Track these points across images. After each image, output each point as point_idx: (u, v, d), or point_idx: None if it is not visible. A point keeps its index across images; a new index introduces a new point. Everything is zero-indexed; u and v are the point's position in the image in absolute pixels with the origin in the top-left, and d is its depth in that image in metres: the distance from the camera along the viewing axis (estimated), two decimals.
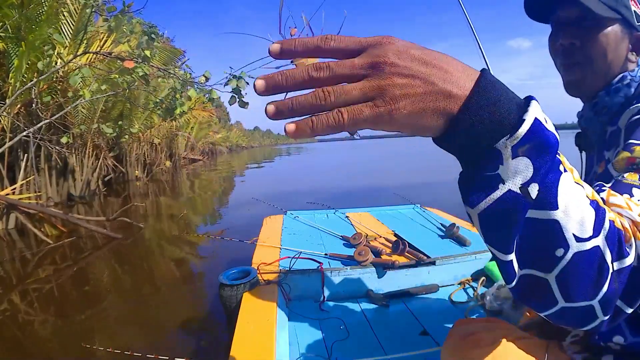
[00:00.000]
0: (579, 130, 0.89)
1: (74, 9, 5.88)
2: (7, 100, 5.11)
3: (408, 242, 2.14)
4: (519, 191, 0.31)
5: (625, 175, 0.56)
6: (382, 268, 1.86)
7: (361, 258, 1.89)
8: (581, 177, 0.78)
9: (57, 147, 6.68)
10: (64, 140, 6.44)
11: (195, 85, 5.85)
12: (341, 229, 2.53)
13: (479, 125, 0.31)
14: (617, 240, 0.38)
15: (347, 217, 2.94)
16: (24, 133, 5.51)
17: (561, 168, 0.34)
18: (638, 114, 0.66)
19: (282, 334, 1.39)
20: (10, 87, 5.22)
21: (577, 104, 0.89)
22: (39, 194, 6.22)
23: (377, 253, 2.01)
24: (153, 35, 8.50)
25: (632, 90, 0.75)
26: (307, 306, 1.72)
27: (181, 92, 6.30)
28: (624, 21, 0.74)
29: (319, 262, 1.90)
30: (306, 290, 1.78)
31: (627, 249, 0.38)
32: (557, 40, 0.78)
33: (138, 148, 11.70)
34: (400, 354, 1.35)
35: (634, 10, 0.75)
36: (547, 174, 0.32)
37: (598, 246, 0.36)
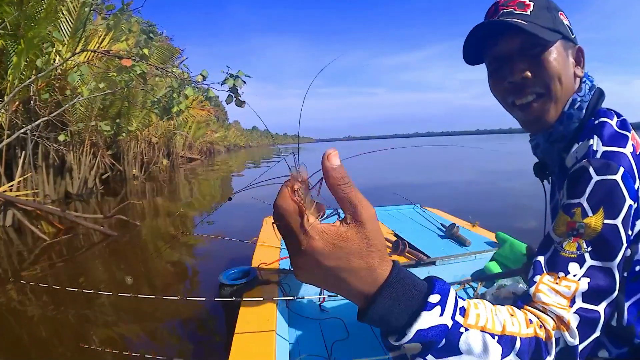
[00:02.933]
0: (537, 161, 0.87)
1: (73, 7, 5.86)
2: (5, 98, 5.09)
3: (408, 242, 2.14)
4: (417, 355, 0.39)
5: (564, 245, 0.59)
6: None
7: None
8: (545, 207, 0.78)
9: (54, 145, 6.66)
10: (61, 138, 6.42)
11: (193, 84, 5.85)
12: None
13: (378, 322, 0.38)
14: (535, 349, 0.46)
15: None
16: (22, 130, 5.49)
17: (461, 330, 0.40)
18: (580, 162, 0.64)
19: (282, 334, 1.39)
20: (9, 85, 5.19)
21: None
22: (36, 191, 6.19)
23: None
24: (151, 35, 8.49)
25: (584, 112, 0.74)
26: (307, 306, 1.71)
27: (179, 91, 6.29)
28: (563, 38, 0.73)
29: None
30: (306, 290, 1.78)
31: (545, 351, 0.47)
32: (504, 78, 0.74)
33: (136, 146, 11.66)
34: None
35: (567, 25, 0.75)
36: (444, 341, 0.39)
37: None
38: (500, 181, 8.95)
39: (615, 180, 0.59)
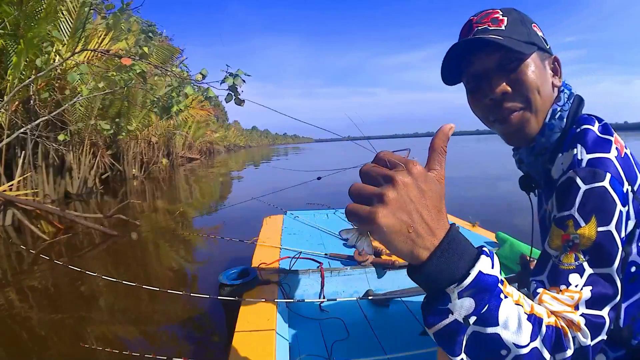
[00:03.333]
0: (522, 175, 0.86)
1: (73, 6, 5.86)
2: (5, 97, 5.08)
3: None
4: (462, 321, 0.41)
5: (562, 258, 0.59)
6: (382, 268, 1.86)
7: (361, 258, 1.89)
8: (532, 219, 0.77)
9: (54, 145, 6.65)
10: (61, 137, 6.41)
11: (192, 84, 5.85)
12: (341, 229, 2.53)
13: (436, 274, 0.40)
14: (555, 340, 0.48)
15: None
16: (22, 130, 5.49)
17: (502, 296, 0.43)
18: (566, 173, 0.64)
19: (282, 334, 1.39)
20: (9, 84, 5.19)
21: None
22: (35, 190, 6.19)
23: (377, 253, 2.01)
24: (151, 34, 8.48)
25: (564, 121, 0.74)
26: (307, 306, 1.72)
27: (178, 91, 6.29)
28: (539, 50, 0.73)
29: (319, 262, 1.89)
30: (306, 290, 1.78)
31: (566, 343, 0.48)
32: (485, 95, 0.73)
33: (135, 146, 11.66)
34: (400, 354, 1.35)
35: (541, 36, 0.75)
36: (487, 305, 0.42)
37: (536, 348, 0.46)
38: (501, 181, 8.96)
39: (603, 186, 0.60)
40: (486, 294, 0.41)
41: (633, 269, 0.65)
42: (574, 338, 0.50)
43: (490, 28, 0.71)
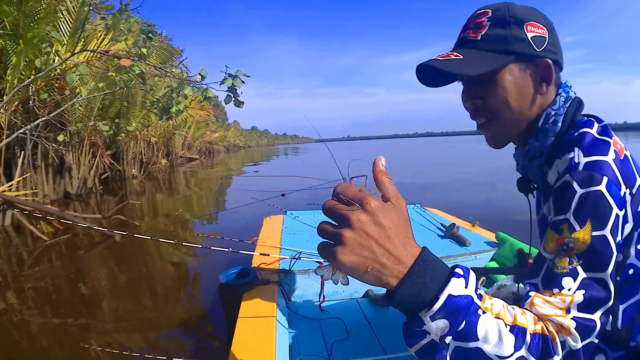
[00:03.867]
0: (520, 176, 0.86)
1: (72, 6, 5.85)
2: (4, 98, 5.08)
3: None
4: (438, 341, 0.43)
5: (556, 262, 0.59)
6: None
7: None
8: (530, 219, 0.77)
9: (54, 145, 6.65)
10: (60, 138, 6.41)
11: (192, 84, 5.84)
12: None
13: (407, 300, 0.43)
14: (543, 347, 0.49)
15: None
16: (21, 130, 5.48)
17: (479, 312, 0.45)
18: (563, 177, 0.63)
19: (282, 334, 1.39)
20: (8, 85, 5.18)
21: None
22: (35, 191, 6.18)
23: None
24: (150, 34, 8.48)
25: (559, 125, 0.72)
26: (307, 306, 1.71)
27: (178, 91, 6.29)
28: (520, 57, 0.70)
29: (319, 262, 1.89)
30: (306, 290, 1.78)
31: (554, 349, 0.49)
32: (464, 101, 0.77)
33: (135, 146, 11.65)
34: (400, 354, 1.35)
35: (530, 37, 0.70)
36: (464, 323, 0.43)
37: (522, 356, 0.46)
38: (500, 181, 8.97)
39: (599, 191, 0.59)
40: (460, 314, 0.42)
41: (631, 271, 0.65)
42: (563, 342, 0.51)
43: (468, 38, 0.73)
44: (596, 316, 0.56)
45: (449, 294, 0.42)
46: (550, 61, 0.71)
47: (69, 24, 5.93)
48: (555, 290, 0.57)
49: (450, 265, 0.45)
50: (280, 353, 1.23)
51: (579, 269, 0.58)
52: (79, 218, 4.59)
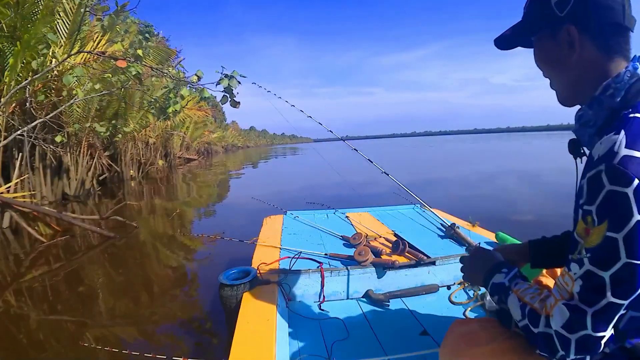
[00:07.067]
0: (572, 138, 0.84)
1: (69, 8, 5.83)
2: (2, 99, 5.06)
3: (408, 242, 2.14)
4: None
5: (579, 246, 0.65)
6: (382, 268, 1.85)
7: (361, 258, 1.88)
8: (576, 185, 0.76)
9: (51, 146, 6.63)
10: (58, 139, 6.39)
11: (188, 85, 5.83)
12: (341, 229, 2.53)
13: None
14: (534, 320, 0.69)
15: (347, 217, 2.94)
16: (19, 132, 5.46)
17: (509, 292, 0.78)
18: (599, 165, 0.62)
19: (282, 334, 1.38)
20: (5, 86, 5.16)
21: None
22: (33, 192, 6.16)
23: (377, 253, 2.00)
24: (147, 35, 8.47)
25: (617, 99, 0.69)
26: (307, 306, 1.71)
27: (175, 92, 6.27)
28: (544, 24, 0.76)
29: (319, 262, 1.89)
30: (306, 290, 1.78)
31: (540, 321, 0.68)
32: None
33: (133, 147, 11.62)
34: (400, 354, 1.35)
35: (554, 3, 0.72)
36: (504, 295, 0.79)
37: (527, 324, 0.70)
38: (500, 180, 8.98)
39: (625, 193, 0.57)
40: (499, 291, 0.81)
41: None
42: (546, 318, 0.67)
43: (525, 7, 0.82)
44: (590, 310, 0.61)
45: (492, 282, 0.84)
46: (572, 27, 0.71)
47: (66, 25, 5.91)
48: (566, 270, 0.66)
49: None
50: (280, 353, 1.23)
51: (585, 260, 0.62)
52: (77, 219, 4.57)
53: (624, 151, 0.59)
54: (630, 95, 0.68)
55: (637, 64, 0.70)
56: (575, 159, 0.84)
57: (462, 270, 1.01)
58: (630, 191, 0.57)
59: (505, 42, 0.86)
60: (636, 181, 0.57)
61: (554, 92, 0.81)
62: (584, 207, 0.63)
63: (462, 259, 1.02)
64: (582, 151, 0.82)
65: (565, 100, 0.80)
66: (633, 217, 0.57)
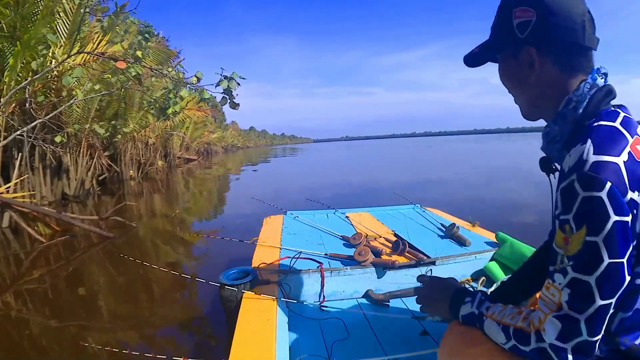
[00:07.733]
0: (543, 156, 0.86)
1: (69, 8, 5.83)
2: (1, 100, 5.05)
3: (408, 242, 2.14)
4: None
5: (559, 257, 0.65)
6: (382, 268, 1.85)
7: (361, 258, 1.88)
8: (552, 200, 0.78)
9: (51, 147, 6.63)
10: (58, 139, 6.39)
11: (187, 86, 5.84)
12: (341, 229, 2.53)
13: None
14: (521, 337, 0.69)
15: (347, 217, 2.94)
16: (18, 132, 5.46)
17: (483, 318, 0.78)
18: (570, 175, 0.63)
19: (282, 334, 1.38)
20: (5, 86, 5.16)
21: None
22: (32, 192, 6.15)
23: (377, 253, 2.00)
24: (147, 35, 8.46)
25: (580, 111, 0.71)
26: (307, 306, 1.71)
27: (175, 92, 6.27)
28: (507, 45, 0.78)
29: (319, 262, 1.89)
30: (306, 290, 1.78)
31: (528, 339, 0.67)
32: None
33: (133, 148, 11.62)
34: (400, 354, 1.35)
35: (516, 24, 0.73)
36: (477, 324, 0.80)
37: (515, 344, 0.70)
38: (500, 181, 8.98)
39: (599, 197, 0.59)
40: (471, 321, 0.82)
41: (638, 281, 0.65)
42: (537, 334, 0.66)
43: (492, 26, 0.83)
44: (582, 316, 0.61)
45: (461, 315, 0.84)
46: (532, 48, 0.73)
47: (66, 26, 5.91)
48: (550, 282, 0.66)
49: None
50: (280, 353, 1.23)
51: (569, 268, 0.62)
52: (76, 219, 4.57)
53: (593, 157, 0.61)
54: (591, 107, 0.70)
55: (596, 75, 0.72)
56: (548, 175, 0.86)
57: (418, 301, 0.98)
58: (604, 194, 0.59)
59: (474, 59, 0.86)
60: (608, 184, 0.59)
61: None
62: (560, 217, 0.64)
63: (417, 290, 0.99)
64: (553, 167, 0.85)
65: (527, 115, 0.82)
66: (610, 218, 0.59)
